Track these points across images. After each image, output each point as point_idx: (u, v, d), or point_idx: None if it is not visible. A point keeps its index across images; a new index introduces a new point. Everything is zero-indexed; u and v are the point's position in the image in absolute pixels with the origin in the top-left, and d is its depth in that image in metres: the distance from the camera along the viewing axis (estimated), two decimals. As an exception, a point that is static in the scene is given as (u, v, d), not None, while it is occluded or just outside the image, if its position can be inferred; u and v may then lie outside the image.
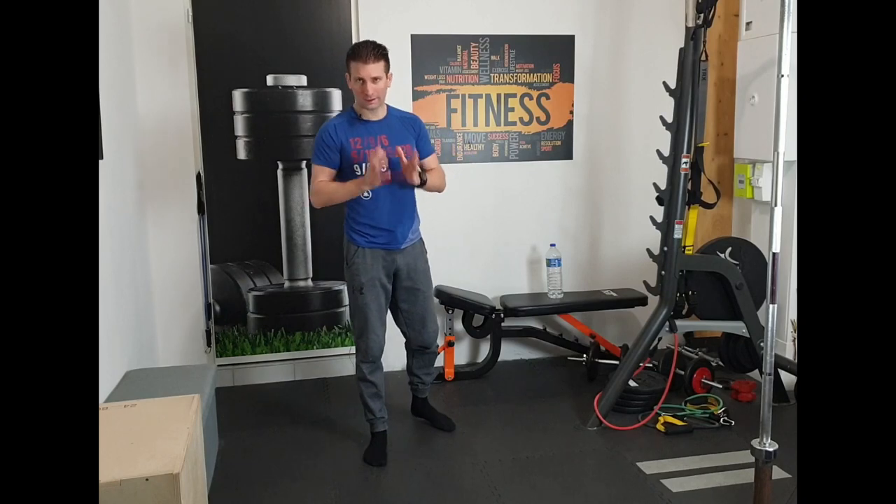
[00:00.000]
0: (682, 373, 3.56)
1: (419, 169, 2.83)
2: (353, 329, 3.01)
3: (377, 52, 2.74)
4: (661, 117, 3.43)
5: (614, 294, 4.05)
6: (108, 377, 2.64)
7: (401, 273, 2.99)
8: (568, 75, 4.06)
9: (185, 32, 3.56)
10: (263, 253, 3.88)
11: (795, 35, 2.59)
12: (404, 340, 3.20)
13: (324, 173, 2.83)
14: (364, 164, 2.80)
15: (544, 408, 3.49)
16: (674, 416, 3.28)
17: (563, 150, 4.12)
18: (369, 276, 2.92)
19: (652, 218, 3.47)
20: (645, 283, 3.53)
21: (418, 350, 3.17)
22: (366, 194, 2.83)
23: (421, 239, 3.10)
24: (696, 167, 3.40)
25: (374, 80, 2.73)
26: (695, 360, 3.60)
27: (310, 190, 2.83)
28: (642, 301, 3.95)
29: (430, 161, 3.02)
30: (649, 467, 2.91)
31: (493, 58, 3.95)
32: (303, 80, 3.78)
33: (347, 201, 2.88)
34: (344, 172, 2.86)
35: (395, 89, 3.83)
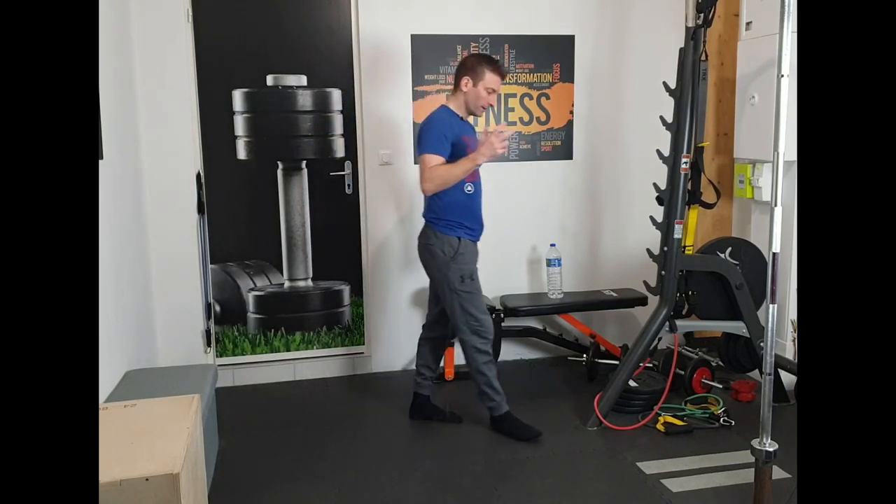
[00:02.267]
0: (682, 373, 3.56)
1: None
2: (469, 316, 3.11)
3: None
4: (661, 117, 3.43)
5: (614, 294, 4.05)
6: (108, 377, 2.64)
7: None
8: (568, 75, 4.06)
9: (185, 32, 3.56)
10: (263, 253, 3.88)
11: (795, 35, 2.60)
12: (420, 335, 3.40)
13: (438, 162, 2.97)
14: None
15: (544, 408, 3.49)
16: (674, 416, 3.28)
17: (563, 150, 4.12)
18: (475, 265, 3.16)
19: (652, 218, 3.47)
20: (645, 283, 3.53)
21: (441, 341, 3.39)
22: (469, 188, 3.07)
23: None
24: (696, 167, 3.40)
25: None
26: (695, 360, 3.60)
27: (422, 178, 2.99)
28: (642, 301, 3.95)
29: None
30: (649, 467, 2.91)
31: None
32: (303, 80, 3.78)
33: (445, 201, 3.05)
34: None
35: (395, 89, 3.85)
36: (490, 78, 3.04)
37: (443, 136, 2.99)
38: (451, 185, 2.99)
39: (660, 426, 3.22)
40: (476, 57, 3.11)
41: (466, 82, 3.05)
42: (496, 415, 3.21)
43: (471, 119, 3.21)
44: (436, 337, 3.37)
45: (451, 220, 3.08)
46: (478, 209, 3.16)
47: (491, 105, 3.11)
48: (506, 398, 3.22)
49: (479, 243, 3.13)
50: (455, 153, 3.00)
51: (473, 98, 3.07)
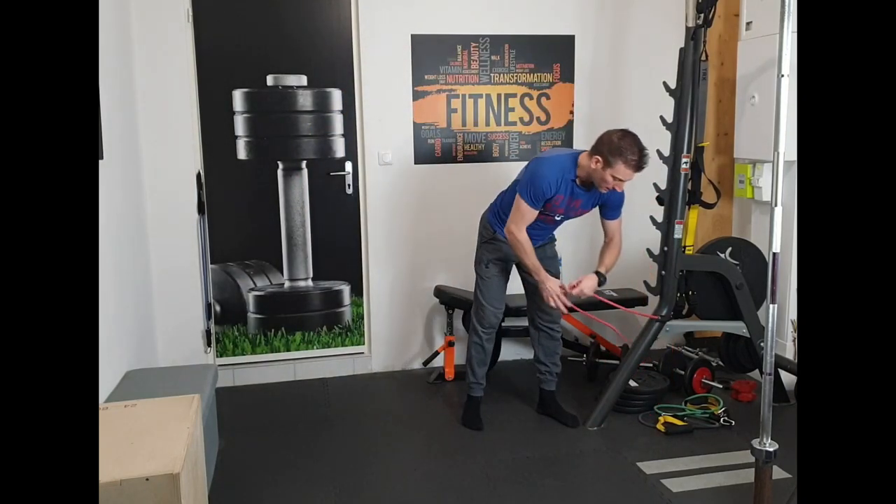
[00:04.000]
0: (683, 373, 3.56)
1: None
2: (476, 299, 3.30)
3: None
4: (661, 117, 3.43)
5: (614, 294, 4.04)
6: (108, 377, 2.64)
7: None
8: (568, 75, 4.06)
9: (185, 32, 3.56)
10: (263, 253, 3.88)
11: (795, 35, 2.59)
12: (530, 330, 3.41)
13: (530, 215, 3.02)
14: (548, 214, 3.06)
15: (544, 408, 3.49)
16: (674, 416, 3.28)
17: (563, 150, 4.11)
18: (496, 256, 3.24)
19: (652, 218, 3.47)
20: (645, 283, 3.53)
21: (544, 332, 3.32)
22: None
23: (553, 240, 3.37)
24: (696, 167, 3.40)
25: None
26: (695, 360, 3.60)
27: (511, 218, 3.05)
28: (642, 301, 3.94)
29: (613, 224, 3.15)
30: (649, 467, 2.91)
31: (493, 58, 3.95)
32: (303, 80, 3.78)
33: (505, 209, 3.13)
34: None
35: (396, 90, 3.85)
36: (621, 169, 2.82)
37: (541, 195, 2.95)
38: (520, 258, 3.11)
39: (660, 426, 3.22)
40: (619, 139, 2.83)
41: (597, 161, 2.85)
42: (468, 393, 3.37)
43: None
44: (536, 325, 3.34)
45: (501, 218, 3.16)
46: (533, 238, 3.11)
47: (609, 189, 2.90)
48: (483, 388, 3.35)
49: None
50: (544, 207, 3.01)
51: (598, 178, 2.89)
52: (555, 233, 3.38)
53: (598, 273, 3.09)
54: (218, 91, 3.69)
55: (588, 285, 3.03)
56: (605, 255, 3.15)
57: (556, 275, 3.27)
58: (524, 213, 3.00)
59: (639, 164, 2.84)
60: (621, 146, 2.81)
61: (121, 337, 2.89)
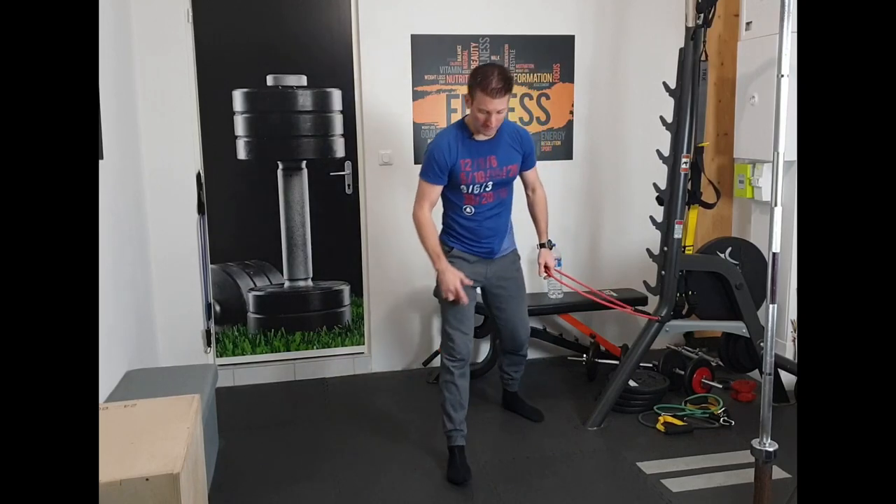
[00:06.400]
0: (682, 373, 3.56)
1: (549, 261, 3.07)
2: (444, 329, 2.94)
3: (506, 86, 2.63)
4: (661, 117, 3.43)
5: (614, 294, 4.04)
6: (108, 377, 2.64)
7: (491, 280, 3.02)
8: (568, 75, 4.06)
9: (185, 32, 3.56)
10: (263, 253, 3.88)
11: (795, 35, 2.60)
12: (497, 341, 3.42)
13: (433, 192, 2.82)
14: (471, 186, 2.83)
15: (544, 408, 3.48)
16: (674, 416, 3.28)
17: (563, 150, 4.11)
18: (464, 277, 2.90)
19: (652, 218, 3.47)
20: (645, 283, 3.53)
21: (510, 354, 3.29)
22: (468, 210, 2.88)
23: (515, 250, 3.11)
24: (696, 167, 3.40)
25: (499, 112, 2.67)
26: (695, 360, 3.60)
27: (416, 201, 2.84)
28: (642, 301, 3.94)
29: (531, 175, 3.06)
30: (649, 467, 2.91)
31: (493, 58, 3.95)
32: (303, 80, 3.78)
33: (448, 214, 2.94)
34: (451, 187, 2.85)
35: (396, 90, 3.85)
36: (479, 98, 2.63)
37: (437, 167, 2.77)
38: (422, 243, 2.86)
39: (660, 426, 3.22)
40: (475, 72, 2.68)
41: (468, 101, 2.72)
42: (448, 444, 2.95)
43: (481, 136, 2.81)
44: (505, 349, 3.29)
45: (450, 231, 2.96)
46: (481, 229, 2.91)
47: (488, 127, 2.69)
48: (464, 435, 2.95)
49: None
50: (451, 176, 2.80)
51: (472, 119, 2.74)
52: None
53: (543, 245, 3.11)
54: (218, 91, 3.69)
55: (549, 261, 3.08)
56: (538, 219, 3.12)
57: (522, 284, 3.12)
58: (425, 192, 2.80)
59: (490, 86, 2.58)
60: (476, 75, 2.65)
61: (121, 337, 2.89)
